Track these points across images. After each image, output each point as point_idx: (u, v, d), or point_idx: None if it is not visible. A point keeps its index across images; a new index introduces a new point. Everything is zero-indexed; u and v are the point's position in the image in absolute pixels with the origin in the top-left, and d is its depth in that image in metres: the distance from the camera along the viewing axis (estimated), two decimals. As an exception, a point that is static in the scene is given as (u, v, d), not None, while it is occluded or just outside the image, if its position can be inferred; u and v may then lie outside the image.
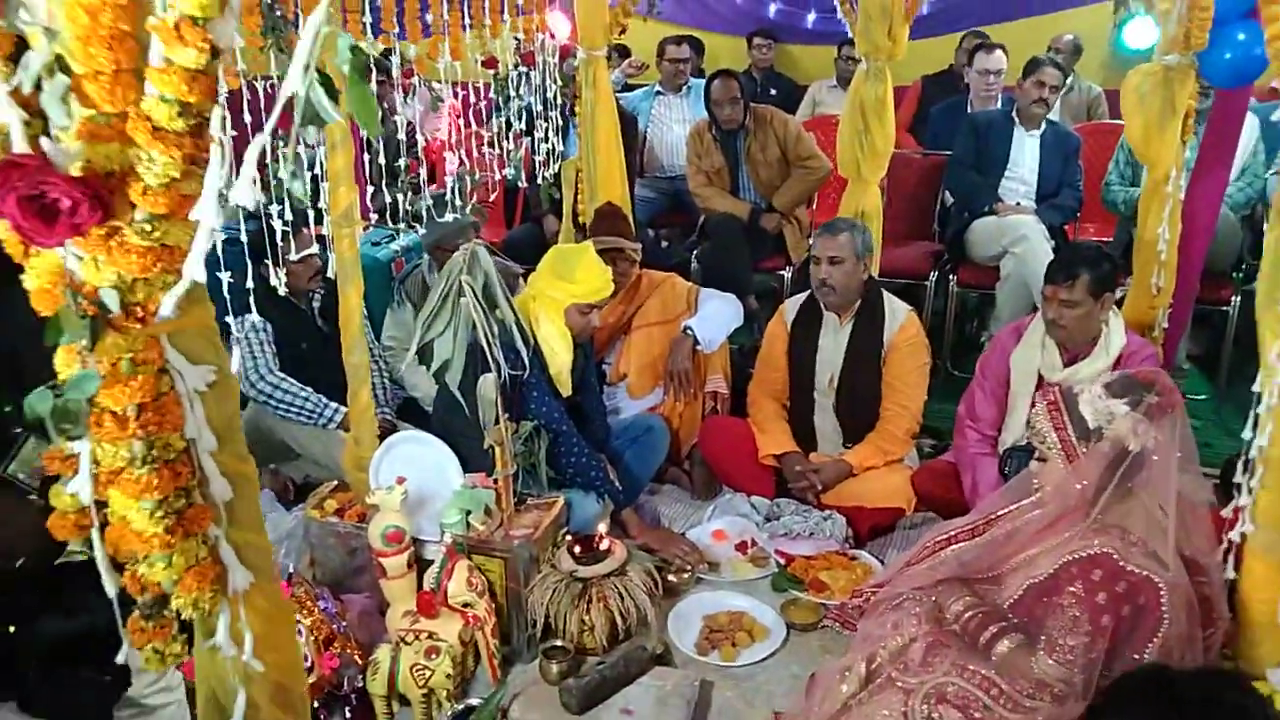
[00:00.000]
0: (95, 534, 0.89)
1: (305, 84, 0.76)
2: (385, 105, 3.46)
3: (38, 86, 0.76)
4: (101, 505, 0.91)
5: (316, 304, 3.62)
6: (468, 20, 3.17)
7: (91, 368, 0.80)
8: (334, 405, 3.47)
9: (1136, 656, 2.13)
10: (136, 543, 0.87)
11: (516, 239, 5.15)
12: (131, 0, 0.75)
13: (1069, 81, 5.47)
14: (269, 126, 0.80)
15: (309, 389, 3.47)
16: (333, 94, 0.81)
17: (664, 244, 5.69)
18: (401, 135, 2.90)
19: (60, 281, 0.81)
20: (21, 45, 0.75)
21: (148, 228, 0.79)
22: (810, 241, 4.99)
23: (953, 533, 2.63)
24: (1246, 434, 2.28)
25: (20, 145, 0.79)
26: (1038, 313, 3.31)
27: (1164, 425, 2.21)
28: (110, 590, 0.92)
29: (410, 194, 3.15)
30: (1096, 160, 4.85)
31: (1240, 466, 2.33)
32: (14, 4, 0.75)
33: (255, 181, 0.85)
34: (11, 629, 0.94)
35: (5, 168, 0.74)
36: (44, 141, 0.77)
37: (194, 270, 0.83)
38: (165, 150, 0.76)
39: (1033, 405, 2.55)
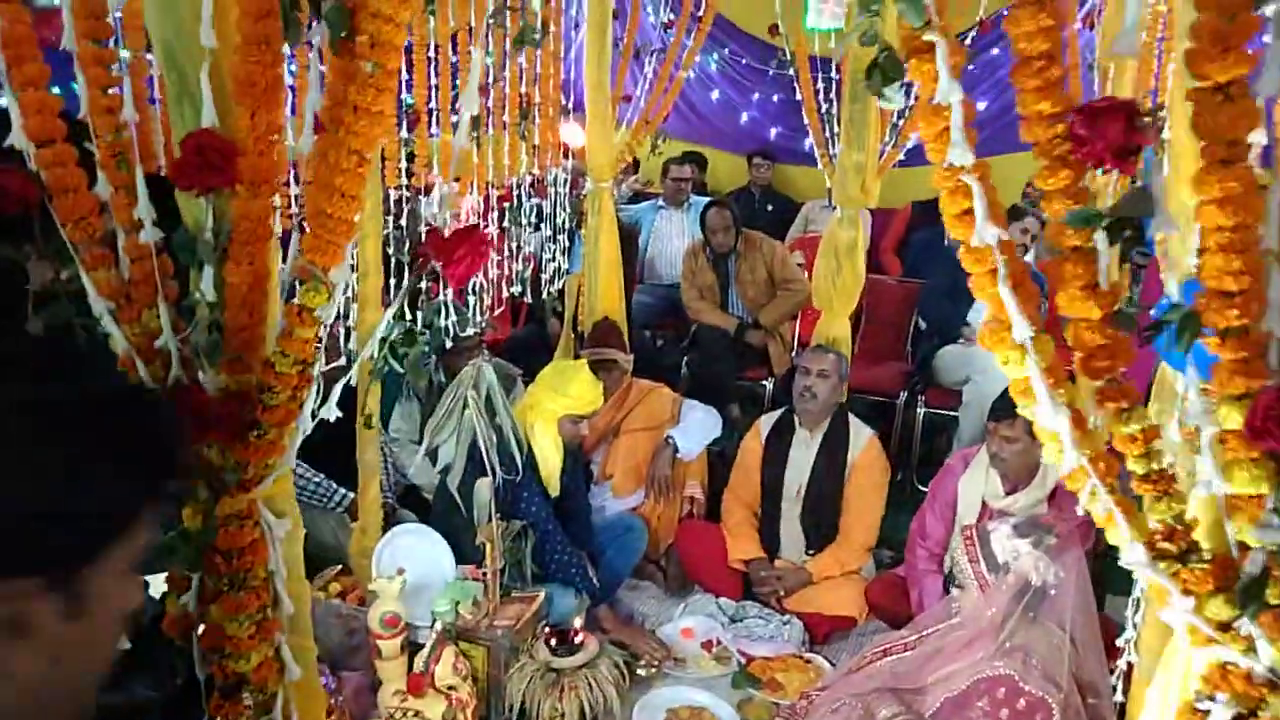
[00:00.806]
0: (195, 636, 1.25)
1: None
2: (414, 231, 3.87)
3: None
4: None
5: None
6: (492, 161, 3.62)
7: (213, 524, 1.18)
8: (341, 490, 3.80)
9: (1032, 767, 2.47)
10: (228, 644, 1.23)
11: (521, 339, 5.55)
12: (266, 286, 1.15)
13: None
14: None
15: (320, 474, 3.81)
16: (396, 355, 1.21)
17: (659, 344, 6.09)
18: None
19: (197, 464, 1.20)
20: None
21: (263, 432, 1.18)
22: (793, 356, 5.43)
23: (890, 645, 2.98)
24: (1136, 574, 2.62)
25: (176, 368, 1.18)
26: (984, 444, 3.67)
27: (1064, 562, 2.58)
28: (201, 674, 1.29)
29: (432, 315, 3.54)
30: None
31: (1130, 604, 2.67)
32: (193, 286, 1.15)
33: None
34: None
35: (180, 391, 1.14)
36: (201, 375, 1.17)
37: (289, 458, 1.21)
38: (281, 385, 1.15)
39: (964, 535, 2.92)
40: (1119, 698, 2.67)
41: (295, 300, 1.14)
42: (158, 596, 1.31)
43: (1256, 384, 0.85)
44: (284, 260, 1.18)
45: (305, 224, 1.13)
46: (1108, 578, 3.77)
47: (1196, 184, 0.84)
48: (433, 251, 1.12)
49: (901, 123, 4.54)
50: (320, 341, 1.17)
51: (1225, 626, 0.93)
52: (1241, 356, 0.85)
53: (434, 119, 3.28)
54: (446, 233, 1.15)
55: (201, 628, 1.26)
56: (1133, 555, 0.94)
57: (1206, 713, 0.96)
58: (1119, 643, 2.74)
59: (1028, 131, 0.93)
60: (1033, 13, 0.87)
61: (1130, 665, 2.65)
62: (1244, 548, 0.90)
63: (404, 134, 3.23)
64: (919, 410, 5.12)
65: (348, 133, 1.06)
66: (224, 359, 1.15)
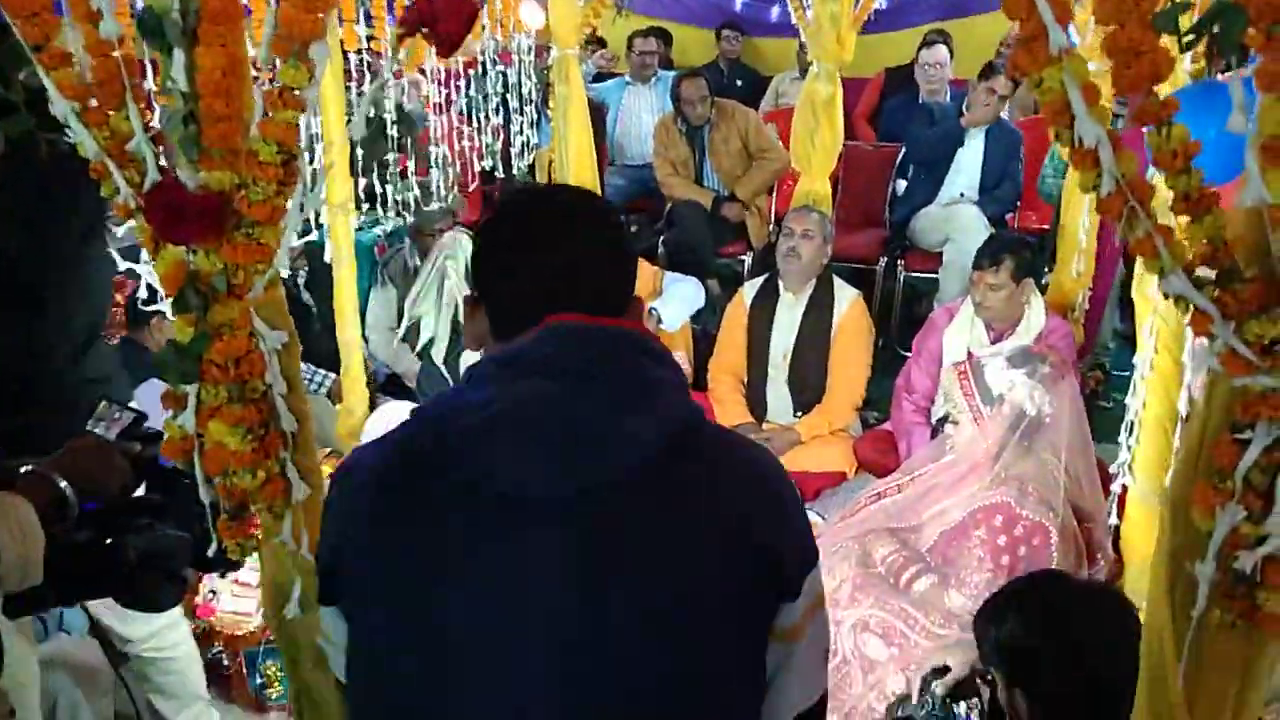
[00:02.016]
0: (196, 455, 1.21)
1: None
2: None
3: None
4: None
5: (301, 279, 3.91)
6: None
7: (204, 331, 1.12)
8: (321, 371, 3.77)
9: (1030, 589, 2.50)
10: (231, 460, 1.19)
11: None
12: (242, 71, 1.07)
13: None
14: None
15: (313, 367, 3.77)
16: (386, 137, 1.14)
17: (633, 228, 6.01)
18: (391, 130, 3.21)
19: (182, 270, 1.14)
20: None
21: (250, 231, 1.11)
22: (771, 230, 5.37)
23: (882, 489, 3.00)
24: (1128, 400, 2.65)
25: (153, 172, 1.11)
26: (967, 296, 3.67)
27: (1057, 391, 2.58)
28: (205, 498, 1.25)
29: (398, 184, 3.45)
30: (1041, 152, 5.20)
31: (1124, 427, 2.70)
32: (164, 75, 1.07)
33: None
34: (108, 540, 1.25)
35: (153, 191, 1.07)
36: (178, 171, 1.09)
37: (280, 260, 1.15)
38: (265, 177, 1.09)
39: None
40: (1113, 521, 2.72)
41: (275, 82, 1.07)
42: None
43: (1305, 81, 0.81)
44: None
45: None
46: (1093, 426, 3.84)
47: None
48: (419, 14, 1.04)
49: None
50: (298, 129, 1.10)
51: (1267, 350, 0.91)
52: (1290, 53, 0.81)
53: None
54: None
55: (202, 449, 1.22)
56: (1174, 282, 0.91)
57: (1246, 442, 0.94)
58: (1112, 469, 2.78)
59: None
60: None
61: (1124, 489, 2.70)
62: (1288, 262, 0.87)
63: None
64: (899, 275, 5.11)
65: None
66: (202, 153, 1.08)
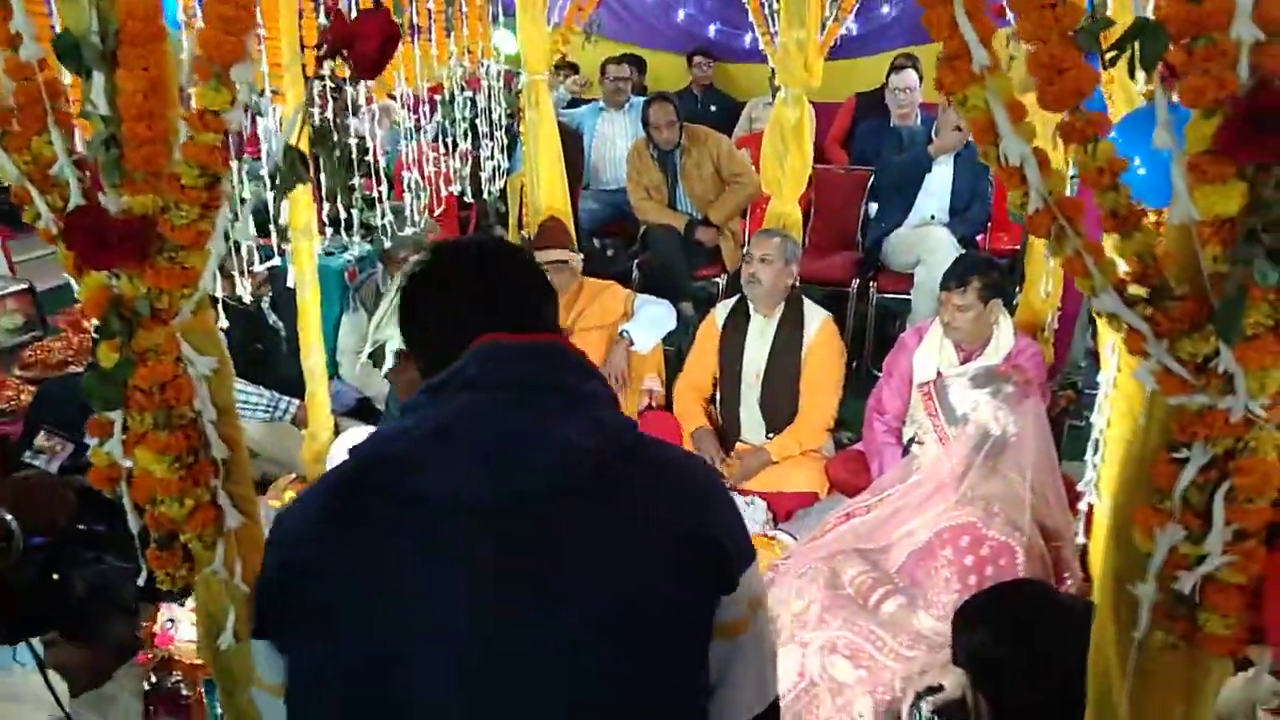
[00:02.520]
0: (124, 484, 1.18)
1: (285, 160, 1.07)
2: (341, 124, 3.73)
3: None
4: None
5: (265, 303, 3.88)
6: (418, 50, 3.47)
7: (128, 356, 1.10)
8: (286, 398, 3.73)
9: (997, 611, 2.48)
10: (158, 489, 1.16)
11: (467, 248, 5.42)
12: (164, 93, 1.05)
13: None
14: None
15: (260, 386, 3.73)
16: (304, 163, 1.12)
17: (608, 253, 6.01)
18: (354, 155, 3.19)
19: (105, 295, 1.11)
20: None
21: (174, 255, 1.09)
22: (745, 250, 5.37)
23: (851, 509, 2.99)
24: (1093, 418, 2.64)
25: (76, 197, 1.09)
26: (937, 317, 3.67)
27: (1022, 411, 2.58)
28: (133, 526, 1.22)
29: (365, 208, 3.43)
30: (1008, 174, 5.25)
31: (1090, 446, 2.68)
32: (84, 99, 1.05)
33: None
34: (55, 575, 1.23)
35: (74, 214, 1.04)
36: (101, 195, 1.07)
37: (206, 284, 1.13)
38: (189, 201, 1.06)
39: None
40: (1081, 540, 2.71)
41: (194, 104, 1.05)
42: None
43: (1226, 96, 0.80)
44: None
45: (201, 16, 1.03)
46: (1062, 445, 3.83)
47: None
48: (336, 36, 1.02)
49: (840, -3, 4.42)
50: (226, 153, 1.07)
51: (1201, 368, 0.90)
52: (1210, 68, 0.80)
53: (353, 4, 3.12)
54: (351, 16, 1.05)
55: (130, 478, 1.19)
56: (1104, 300, 0.90)
57: (1184, 460, 0.93)
58: (1079, 486, 2.76)
59: None
60: None
61: (1091, 508, 2.68)
62: (1217, 278, 0.86)
63: (323, 20, 3.07)
64: (872, 297, 5.12)
65: (236, -99, 0.96)
66: (125, 177, 1.06)
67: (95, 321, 1.10)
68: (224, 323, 2.60)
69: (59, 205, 1.10)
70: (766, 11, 4.36)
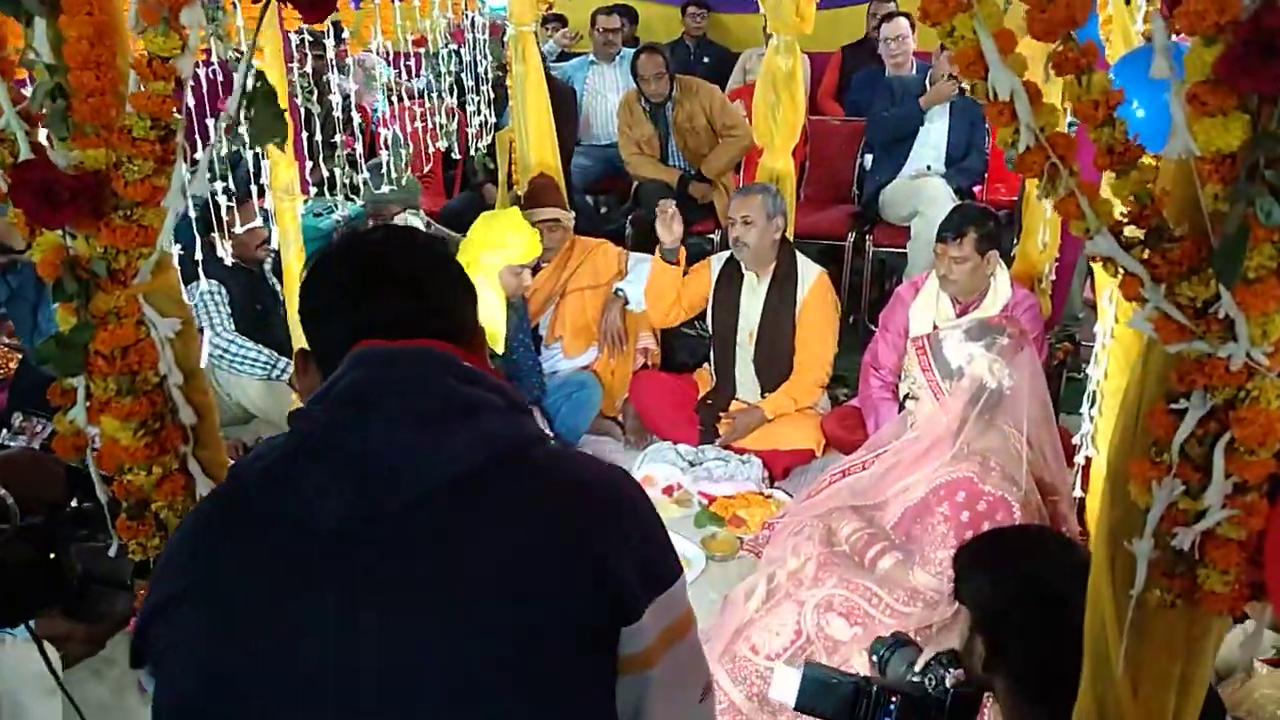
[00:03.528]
0: (90, 453, 1.14)
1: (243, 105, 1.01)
2: (323, 80, 3.65)
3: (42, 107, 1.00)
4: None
5: (268, 266, 3.82)
6: (399, 2, 3.38)
7: (86, 320, 1.05)
8: (284, 359, 3.69)
9: (994, 565, 2.47)
10: (125, 457, 1.12)
11: (456, 207, 5.36)
12: (113, 40, 1.00)
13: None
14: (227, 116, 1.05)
15: (259, 345, 3.69)
16: (278, 114, 1.07)
17: (601, 209, 5.93)
18: (338, 112, 3.12)
19: (60, 255, 1.06)
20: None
21: (129, 212, 1.04)
22: (731, 213, 5.30)
23: (847, 466, 2.96)
24: (1089, 369, 2.60)
25: (25, 151, 1.03)
26: (933, 270, 3.62)
27: (1017, 364, 2.54)
28: (102, 496, 1.18)
29: (347, 167, 3.37)
30: (1006, 124, 5.16)
31: (1086, 398, 2.65)
32: (26, 45, 0.99)
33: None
34: (52, 555, 1.19)
35: (21, 169, 0.99)
36: (47, 149, 1.02)
37: (164, 243, 1.08)
38: (141, 155, 1.01)
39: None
40: (1078, 493, 2.68)
41: (144, 50, 0.99)
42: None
43: (1229, 19, 0.75)
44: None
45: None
46: (1060, 397, 3.81)
47: None
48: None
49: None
50: (180, 102, 1.02)
51: (1200, 314, 0.85)
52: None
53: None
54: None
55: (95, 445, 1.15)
56: (1100, 243, 0.85)
57: (1182, 411, 0.89)
58: (1075, 440, 2.74)
59: None
60: None
61: (1088, 460, 2.66)
62: (1216, 217, 0.81)
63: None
64: (868, 251, 5.07)
65: None
66: (74, 130, 1.01)
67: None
68: (205, 283, 2.61)
69: (7, 161, 1.05)
70: (758, -42, 4.26)
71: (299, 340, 3.17)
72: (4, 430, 1.42)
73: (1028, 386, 2.55)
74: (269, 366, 3.68)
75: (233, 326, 3.69)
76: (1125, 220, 0.86)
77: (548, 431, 3.52)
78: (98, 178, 1.02)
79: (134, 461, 1.12)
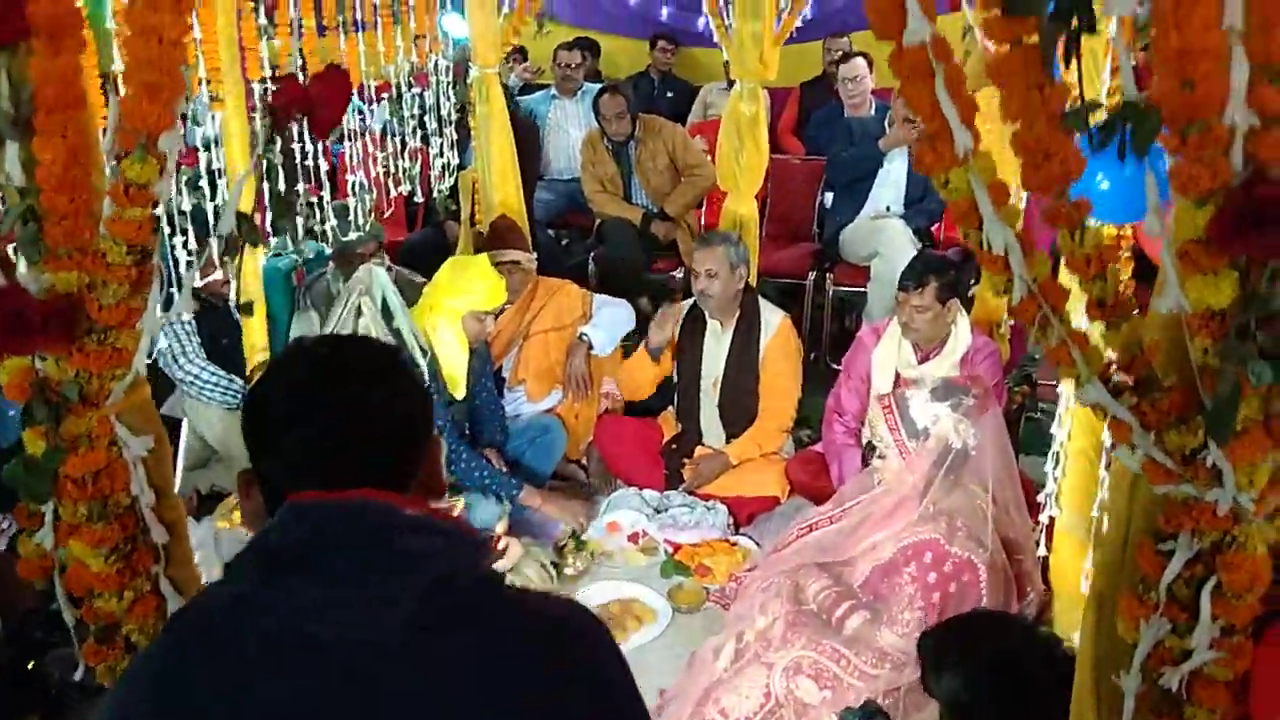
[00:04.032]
0: (56, 575, 1.10)
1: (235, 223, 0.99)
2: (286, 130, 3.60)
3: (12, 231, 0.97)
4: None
5: (231, 301, 3.78)
6: (363, 48, 3.35)
7: (56, 444, 1.02)
8: (240, 380, 3.65)
9: (961, 626, 2.49)
10: (95, 582, 1.09)
11: (418, 243, 5.31)
12: (87, 161, 0.97)
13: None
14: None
15: (230, 374, 3.66)
16: (255, 228, 1.05)
17: (563, 242, 5.93)
18: (305, 159, 3.08)
19: (28, 378, 1.03)
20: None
21: (102, 336, 1.01)
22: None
23: (814, 520, 2.97)
24: (1054, 429, 2.64)
25: (-7, 273, 1.00)
26: (894, 316, 3.65)
27: (982, 424, 2.57)
28: (69, 619, 1.14)
29: (309, 214, 3.33)
30: (962, 164, 5.23)
31: (1050, 457, 2.69)
32: (-3, 168, 0.96)
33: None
34: (30, 664, 1.15)
35: (-4, 297, 0.96)
36: (19, 272, 0.99)
37: (138, 364, 1.05)
38: (117, 279, 0.99)
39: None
40: (1042, 552, 2.72)
41: (120, 176, 0.97)
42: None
43: (1221, 184, 0.76)
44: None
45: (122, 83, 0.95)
46: (1020, 439, 3.85)
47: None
48: (289, 101, 0.95)
49: None
50: (157, 224, 1.00)
51: (1187, 459, 0.86)
52: (1204, 155, 0.76)
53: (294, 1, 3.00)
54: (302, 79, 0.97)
55: (62, 568, 1.11)
56: (1090, 392, 0.86)
57: (1170, 553, 0.90)
58: (1039, 499, 2.77)
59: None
60: None
61: (1051, 520, 2.69)
62: (1206, 370, 0.82)
63: (262, 20, 2.95)
64: (828, 289, 5.10)
65: (159, -38, 0.88)
66: (46, 253, 0.98)
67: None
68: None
69: (-25, 280, 1.02)
70: (721, 3, 4.29)
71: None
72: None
73: (992, 446, 2.58)
74: (237, 395, 3.65)
75: (203, 354, 3.66)
76: (1115, 367, 0.87)
77: (504, 478, 3.47)
78: (70, 301, 0.99)
79: (104, 588, 1.09)
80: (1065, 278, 0.89)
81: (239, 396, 3.64)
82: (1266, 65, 0.73)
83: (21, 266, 1.00)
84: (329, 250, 4.05)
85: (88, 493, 1.06)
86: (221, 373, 3.68)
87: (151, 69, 0.92)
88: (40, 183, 0.96)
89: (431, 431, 1.06)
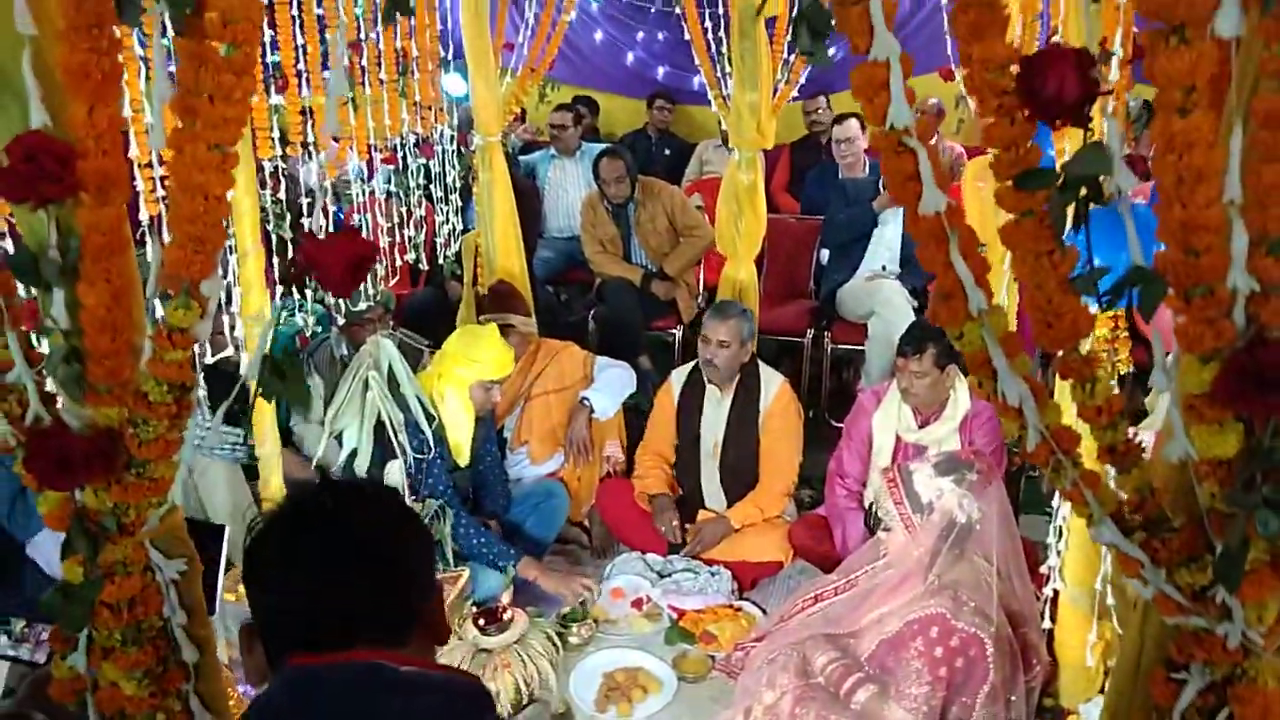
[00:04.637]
0: (89, 695, 1.12)
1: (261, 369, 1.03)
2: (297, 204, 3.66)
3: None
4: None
5: (243, 369, 3.79)
6: (371, 123, 3.42)
7: (95, 574, 1.04)
8: (238, 431, 3.64)
9: (968, 701, 2.50)
10: (128, 705, 1.11)
11: (420, 303, 5.35)
12: (129, 303, 1.01)
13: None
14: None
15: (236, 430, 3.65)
16: (280, 375, 1.08)
17: (562, 298, 5.98)
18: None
19: (67, 509, 1.06)
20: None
21: (141, 469, 1.04)
22: (698, 301, 5.38)
23: (820, 590, 2.98)
24: (1055, 502, 2.67)
25: (35, 403, 1.03)
26: (894, 380, 3.69)
27: (985, 497, 2.60)
28: (99, 739, 1.16)
29: (319, 288, 3.37)
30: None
31: (1052, 532, 2.72)
32: (43, 312, 1.00)
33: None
34: None
35: (37, 438, 0.99)
36: (59, 404, 1.02)
37: (174, 494, 1.08)
38: (155, 416, 1.02)
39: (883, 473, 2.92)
40: (1047, 624, 2.74)
41: (162, 319, 1.00)
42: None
43: (1224, 344, 0.80)
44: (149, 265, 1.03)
45: (167, 229, 0.99)
46: (1019, 498, 3.88)
47: (1153, 134, 0.78)
48: (306, 259, 0.99)
49: (792, 59, 4.45)
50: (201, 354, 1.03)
51: (1197, 595, 0.90)
52: (1208, 316, 0.80)
53: (304, 80, 3.06)
54: (321, 235, 1.01)
55: (94, 686, 1.13)
56: (1103, 532, 0.89)
57: (1182, 682, 0.92)
58: (1043, 569, 2.79)
59: (969, 83, 0.85)
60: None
61: (1056, 592, 2.71)
62: (1214, 513, 0.86)
63: (273, 99, 3.01)
64: (826, 347, 5.15)
65: (205, 125, 0.92)
66: (88, 389, 1.01)
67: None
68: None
69: (16, 412, 1.05)
70: (718, 72, 4.39)
71: (265, 465, 3.16)
72: (4, 637, 1.38)
73: (996, 519, 2.61)
74: (234, 448, 3.63)
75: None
76: (1126, 506, 0.90)
77: (507, 549, 3.46)
78: (110, 435, 1.02)
79: (137, 710, 1.11)
80: (1070, 417, 0.92)
81: (233, 449, 3.62)
82: (1264, 236, 0.77)
83: (61, 400, 1.03)
84: (332, 314, 4.10)
85: (123, 619, 1.08)
86: (228, 428, 3.64)
87: (197, 223, 0.96)
88: (84, 325, 0.99)
89: (435, 577, 1.07)
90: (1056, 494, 2.60)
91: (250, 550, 1.04)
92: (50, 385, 1.05)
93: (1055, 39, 2.55)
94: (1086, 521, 0.91)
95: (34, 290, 1.02)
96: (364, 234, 3.71)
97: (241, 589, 2.98)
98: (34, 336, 1.07)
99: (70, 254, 0.98)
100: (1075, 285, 0.84)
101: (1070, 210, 0.82)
